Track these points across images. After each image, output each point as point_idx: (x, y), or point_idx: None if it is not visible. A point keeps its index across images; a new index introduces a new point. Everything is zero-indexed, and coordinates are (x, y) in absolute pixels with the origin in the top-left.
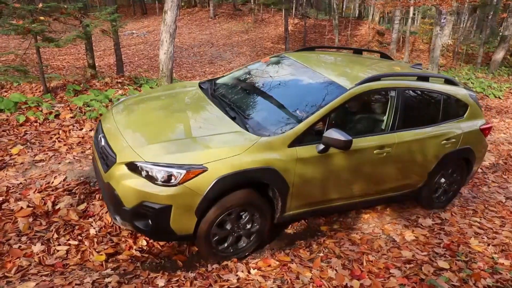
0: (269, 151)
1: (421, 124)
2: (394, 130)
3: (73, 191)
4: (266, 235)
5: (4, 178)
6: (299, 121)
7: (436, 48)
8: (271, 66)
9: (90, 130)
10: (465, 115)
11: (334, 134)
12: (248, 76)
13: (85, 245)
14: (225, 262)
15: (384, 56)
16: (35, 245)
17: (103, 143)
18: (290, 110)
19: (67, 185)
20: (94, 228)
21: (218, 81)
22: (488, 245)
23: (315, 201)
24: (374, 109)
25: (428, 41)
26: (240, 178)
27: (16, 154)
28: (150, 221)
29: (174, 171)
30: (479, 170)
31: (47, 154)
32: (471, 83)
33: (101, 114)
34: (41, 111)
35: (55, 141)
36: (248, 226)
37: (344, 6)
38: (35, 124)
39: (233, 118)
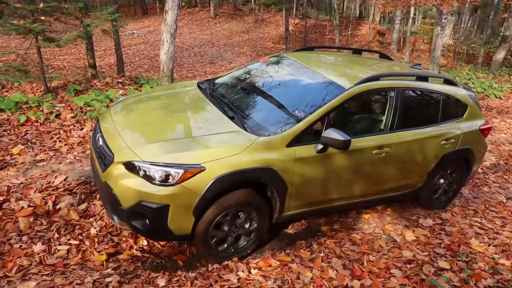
0: (268, 151)
1: (420, 124)
2: (393, 130)
3: (74, 191)
4: (265, 235)
5: (5, 178)
6: (298, 120)
7: (437, 48)
8: (270, 66)
9: (91, 130)
10: (464, 115)
11: (332, 134)
12: (246, 76)
13: (86, 244)
14: (225, 262)
15: (383, 56)
16: (36, 245)
17: (101, 142)
18: (288, 109)
19: (68, 184)
20: (94, 227)
21: (217, 81)
22: (489, 245)
23: (314, 201)
24: (373, 109)
25: (429, 41)
26: (238, 178)
27: (17, 154)
28: (147, 221)
29: (172, 170)
30: (480, 171)
31: (48, 154)
32: (472, 83)
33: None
34: (42, 111)
35: (56, 141)
36: (247, 226)
37: (345, 6)
38: (36, 124)
39: (232, 118)
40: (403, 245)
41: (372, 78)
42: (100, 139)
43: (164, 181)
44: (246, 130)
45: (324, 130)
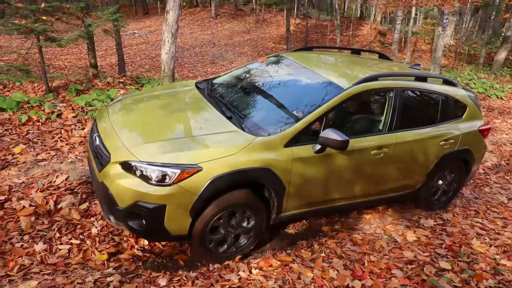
0: (265, 151)
1: (419, 125)
2: (391, 131)
3: (75, 190)
4: (263, 236)
5: (6, 177)
6: (296, 121)
7: (438, 49)
8: (268, 66)
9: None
10: (463, 116)
11: (330, 134)
12: (245, 76)
13: (87, 244)
14: (226, 262)
15: (382, 56)
16: (37, 244)
17: (97, 142)
18: (287, 110)
19: (69, 184)
20: (96, 227)
21: (215, 81)
22: (490, 246)
23: (312, 201)
24: (371, 109)
25: (430, 41)
26: (235, 178)
27: (18, 153)
28: (144, 221)
29: (169, 170)
30: (481, 171)
31: (49, 153)
32: (473, 83)
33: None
34: (43, 110)
35: (57, 141)
36: (244, 226)
37: (346, 6)
38: (37, 123)
39: (229, 118)
40: (404, 245)
41: (370, 78)
42: (97, 138)
43: (161, 181)
44: (244, 130)
45: (322, 130)
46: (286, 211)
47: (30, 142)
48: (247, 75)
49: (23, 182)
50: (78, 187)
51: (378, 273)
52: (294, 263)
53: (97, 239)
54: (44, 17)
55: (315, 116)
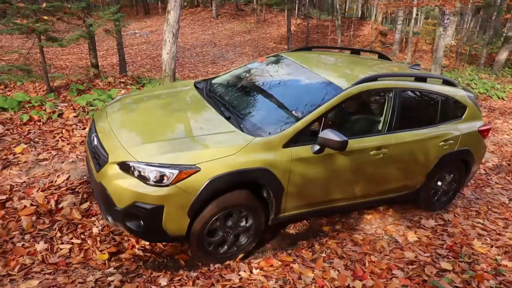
0: (264, 152)
1: (418, 125)
2: (391, 131)
3: (76, 190)
4: (261, 237)
5: (7, 177)
6: (295, 121)
7: (439, 49)
8: (267, 66)
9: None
10: (463, 117)
11: (329, 134)
12: (244, 76)
13: (88, 243)
14: (227, 262)
15: (382, 56)
16: (38, 244)
17: (95, 142)
18: (285, 110)
19: (70, 184)
20: (97, 227)
21: (214, 81)
22: (491, 246)
23: (311, 202)
24: (371, 109)
25: (431, 41)
26: (233, 179)
27: (19, 153)
28: (142, 222)
29: (167, 171)
30: (482, 172)
31: (51, 153)
32: (474, 84)
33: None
34: (45, 110)
35: (58, 140)
36: (242, 228)
37: (347, 7)
38: (38, 123)
39: (228, 118)
40: (405, 246)
41: (369, 78)
42: (95, 138)
43: (159, 182)
44: (243, 131)
45: (321, 131)
46: (285, 211)
47: (31, 142)
48: (246, 75)
49: (24, 182)
50: (79, 187)
51: (379, 274)
52: (295, 263)
53: (98, 238)
54: (45, 17)
55: (314, 117)
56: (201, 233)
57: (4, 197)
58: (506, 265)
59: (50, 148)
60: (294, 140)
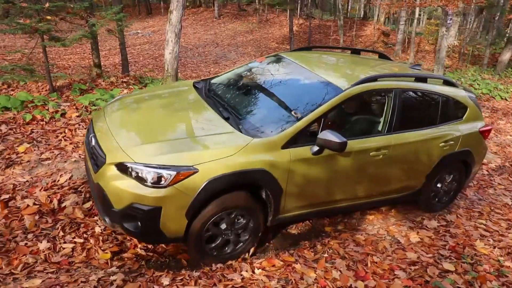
0: (262, 153)
1: (418, 126)
2: (391, 132)
3: (79, 189)
4: (259, 238)
5: (10, 176)
6: (294, 122)
7: (442, 49)
8: (267, 66)
9: None
10: (464, 117)
11: (328, 135)
12: (243, 76)
13: (91, 243)
14: (229, 262)
15: (382, 56)
16: (41, 243)
17: (93, 143)
18: (284, 110)
19: (73, 183)
20: (99, 226)
21: (213, 81)
22: (494, 247)
23: (310, 203)
24: (370, 110)
25: (434, 42)
26: (232, 180)
27: (22, 152)
28: (139, 223)
29: (164, 172)
30: (485, 172)
31: (53, 152)
32: (477, 84)
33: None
34: (48, 109)
35: (61, 140)
36: (241, 229)
37: (349, 7)
38: (41, 122)
39: (227, 119)
40: (407, 246)
41: (369, 79)
42: (93, 139)
43: (156, 183)
44: (241, 131)
45: (320, 132)
46: (284, 212)
47: (34, 141)
48: (246, 75)
49: (27, 181)
50: (81, 186)
51: (381, 274)
52: (297, 263)
53: (101, 238)
54: (48, 17)
55: (313, 117)
56: (199, 234)
57: (7, 196)
58: (509, 266)
59: (52, 148)
60: (293, 141)
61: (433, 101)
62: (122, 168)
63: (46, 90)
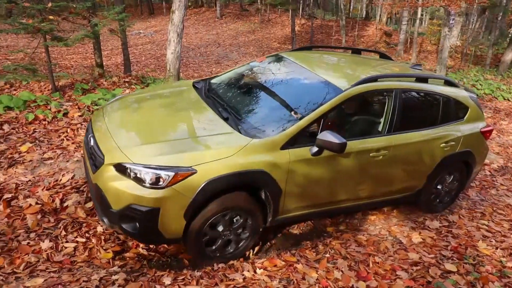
0: (261, 153)
1: (419, 127)
2: (391, 133)
3: (81, 189)
4: (259, 238)
5: (13, 175)
6: (293, 122)
7: (444, 49)
8: (267, 66)
9: None
10: (465, 118)
11: (328, 136)
12: (242, 76)
13: (93, 242)
14: (231, 262)
15: (383, 56)
16: (43, 242)
17: (92, 143)
18: (284, 111)
19: (75, 183)
20: (101, 225)
21: (213, 81)
22: (496, 248)
23: (309, 204)
24: (371, 110)
25: (436, 42)
26: (231, 181)
27: (25, 152)
28: (137, 224)
29: (162, 173)
30: (488, 173)
31: (56, 152)
32: (480, 84)
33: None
34: (50, 109)
35: (63, 139)
36: (240, 230)
37: (351, 7)
38: (43, 122)
39: (226, 119)
40: (409, 247)
41: (370, 79)
42: (92, 139)
43: (155, 184)
44: (240, 132)
45: (320, 132)
46: (283, 213)
47: (37, 141)
48: (245, 75)
49: (29, 180)
50: (83, 186)
51: (383, 274)
52: (298, 264)
53: (103, 237)
54: (51, 17)
55: (313, 118)
56: (197, 235)
57: (9, 195)
58: (511, 267)
59: (55, 147)
60: (293, 142)
61: (434, 102)
62: (121, 168)
63: (48, 90)
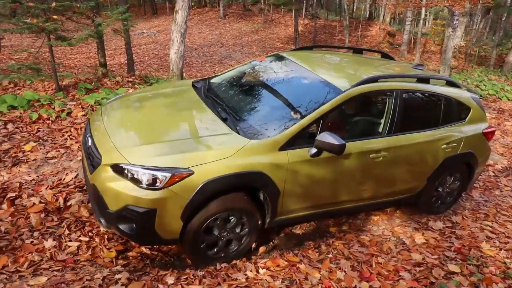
0: (259, 154)
1: (420, 128)
2: (391, 134)
3: (84, 188)
4: (256, 240)
5: (17, 174)
6: (292, 123)
7: (448, 50)
8: (267, 66)
9: None
10: (467, 119)
11: (327, 137)
12: (242, 75)
13: (96, 241)
14: (234, 261)
15: (385, 56)
16: (47, 241)
17: (90, 143)
18: (283, 111)
19: (79, 182)
20: None
21: (212, 80)
22: (500, 249)
23: (308, 205)
24: (371, 111)
25: (440, 42)
26: (228, 182)
27: (28, 151)
28: (134, 225)
29: (159, 174)
30: (491, 174)
31: (59, 151)
32: (484, 85)
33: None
34: (54, 108)
35: (67, 139)
36: (237, 231)
37: (355, 7)
38: (47, 121)
39: (224, 120)
40: (412, 247)
41: (370, 79)
42: (89, 139)
43: (151, 185)
44: (239, 133)
45: (319, 134)
46: (282, 214)
47: (41, 140)
48: (245, 75)
49: (33, 179)
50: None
51: (386, 275)
52: (301, 264)
53: (106, 236)
54: (54, 16)
55: (312, 119)
56: (194, 236)
57: (13, 194)
58: None
59: (58, 146)
60: (291, 143)
61: (435, 102)
62: (118, 169)
63: (52, 89)
